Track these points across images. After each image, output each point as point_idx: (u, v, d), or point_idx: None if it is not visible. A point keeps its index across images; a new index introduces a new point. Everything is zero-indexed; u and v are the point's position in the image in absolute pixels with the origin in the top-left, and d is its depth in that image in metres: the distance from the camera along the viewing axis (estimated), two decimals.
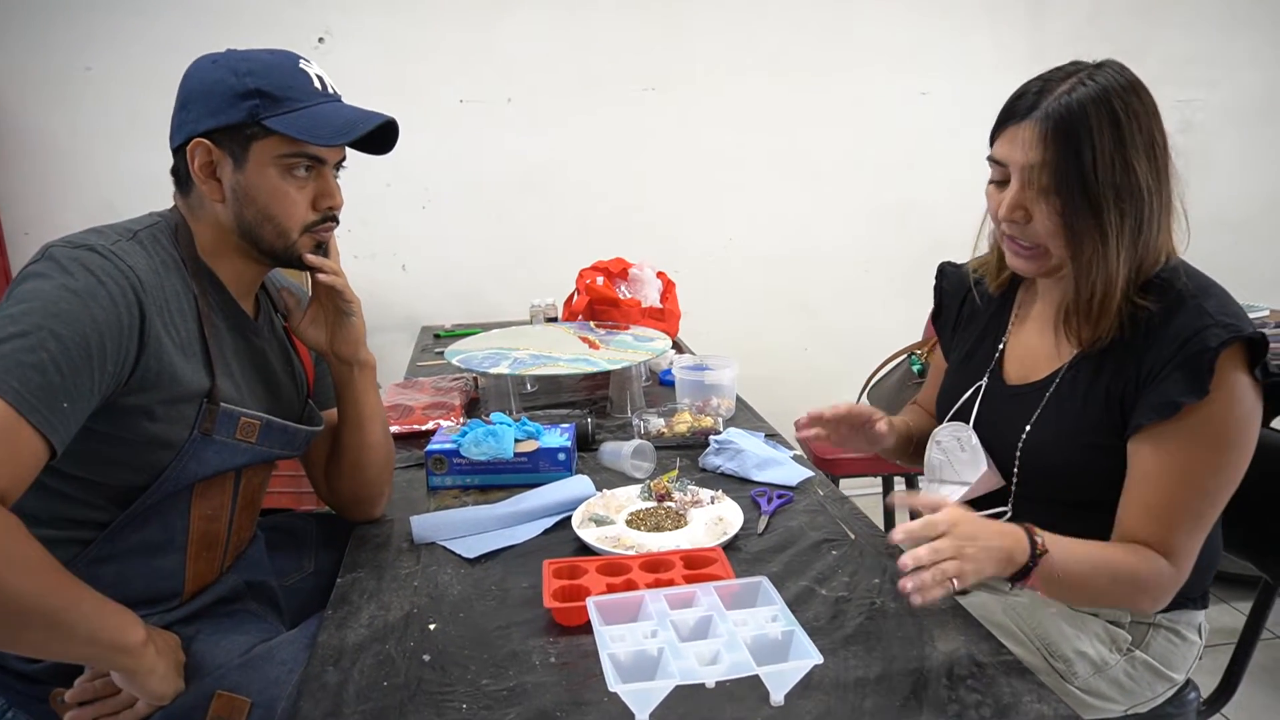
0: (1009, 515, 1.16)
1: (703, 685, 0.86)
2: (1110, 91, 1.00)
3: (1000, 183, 1.09)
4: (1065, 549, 0.98)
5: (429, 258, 3.09)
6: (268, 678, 1.02)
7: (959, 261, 1.39)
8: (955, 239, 1.48)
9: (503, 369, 1.80)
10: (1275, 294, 2.93)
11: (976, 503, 1.18)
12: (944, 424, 1.23)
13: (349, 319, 1.21)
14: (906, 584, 0.88)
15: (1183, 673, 1.16)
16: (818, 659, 0.85)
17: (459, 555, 1.24)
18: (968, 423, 1.20)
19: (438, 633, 1.04)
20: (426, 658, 0.99)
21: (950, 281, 1.38)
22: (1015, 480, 1.15)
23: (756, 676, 0.85)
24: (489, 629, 1.05)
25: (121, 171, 2.74)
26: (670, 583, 1.09)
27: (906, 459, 1.34)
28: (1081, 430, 1.08)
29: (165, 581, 1.09)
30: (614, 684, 0.82)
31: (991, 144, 1.11)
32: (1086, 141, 0.99)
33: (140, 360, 0.98)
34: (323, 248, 1.16)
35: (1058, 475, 1.11)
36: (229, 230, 1.10)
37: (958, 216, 2.75)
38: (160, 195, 1.20)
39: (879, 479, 2.42)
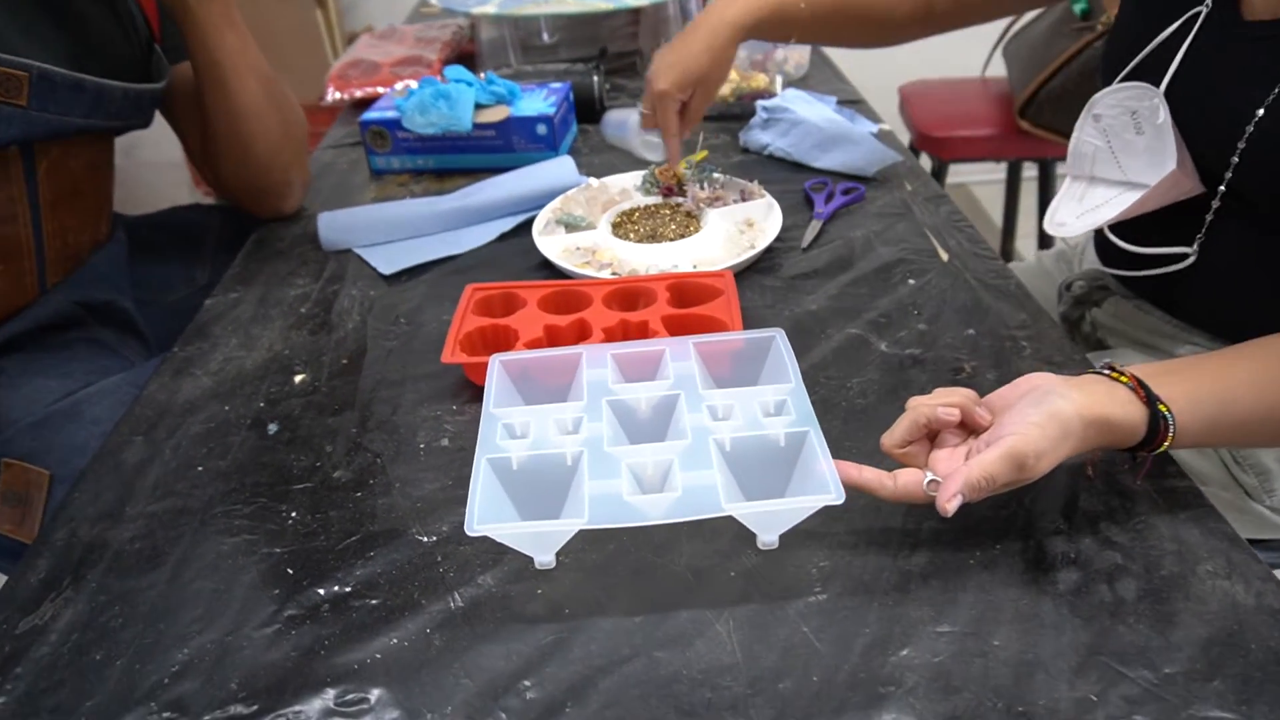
0: (1193, 259, 0.70)
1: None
2: None
3: None
4: (1217, 404, 0.54)
5: None
6: (71, 443, 0.74)
7: None
8: None
9: (489, 9, 1.33)
10: None
11: (1152, 220, 0.72)
12: (1113, 86, 0.72)
13: None
14: (946, 506, 0.49)
15: None
16: (837, 497, 0.49)
17: (374, 269, 0.89)
18: (1158, 85, 0.69)
19: (301, 388, 0.72)
20: (273, 428, 0.68)
21: None
22: (1225, 190, 0.67)
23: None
24: (373, 383, 0.72)
25: None
26: (641, 329, 0.71)
27: None
28: None
29: None
30: (474, 522, 0.49)
31: None
32: None
33: None
34: None
35: None
36: None
37: None
38: None
39: (1003, 165, 1.89)
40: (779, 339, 0.62)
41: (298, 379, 0.73)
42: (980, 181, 2.34)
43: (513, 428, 0.56)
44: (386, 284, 0.87)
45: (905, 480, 0.52)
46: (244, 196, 0.97)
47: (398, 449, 0.65)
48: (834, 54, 1.42)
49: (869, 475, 0.53)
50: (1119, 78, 0.72)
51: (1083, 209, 0.76)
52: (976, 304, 0.76)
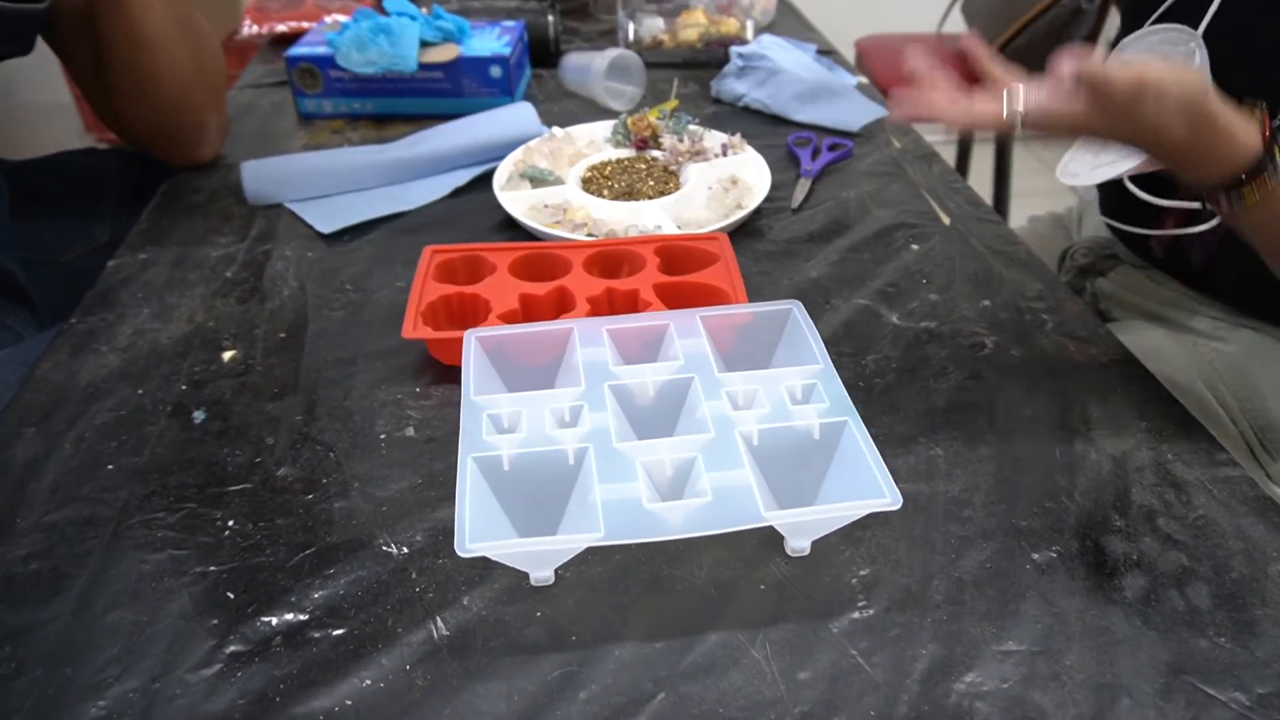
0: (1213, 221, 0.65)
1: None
2: None
3: None
4: None
5: None
6: None
7: None
8: None
9: None
10: None
11: (1162, 185, 0.67)
12: (1144, 29, 0.67)
13: None
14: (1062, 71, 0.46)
15: None
16: (893, 501, 0.42)
17: (310, 227, 0.78)
18: (1195, 28, 0.64)
19: (231, 367, 0.61)
20: (199, 415, 0.57)
21: None
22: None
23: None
24: (319, 361, 0.62)
25: None
26: (631, 300, 0.63)
27: None
28: None
29: None
30: (466, 540, 0.40)
31: None
32: None
33: None
34: None
35: None
36: None
37: None
38: None
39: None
40: (796, 311, 0.55)
41: (227, 356, 0.62)
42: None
43: (499, 419, 0.48)
44: (326, 244, 0.76)
45: (981, 106, 0.48)
46: (151, 142, 0.84)
47: (354, 440, 0.55)
48: (811, 4, 1.34)
49: (939, 98, 0.48)
50: (1150, 20, 0.67)
51: (1098, 161, 0.71)
52: (988, 273, 0.70)
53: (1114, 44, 0.70)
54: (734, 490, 0.43)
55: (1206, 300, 0.71)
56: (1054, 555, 0.47)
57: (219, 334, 0.65)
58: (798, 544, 0.46)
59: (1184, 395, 0.62)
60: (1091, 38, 1.40)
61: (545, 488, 0.46)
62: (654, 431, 0.49)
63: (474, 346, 0.52)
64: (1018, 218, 0.90)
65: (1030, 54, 1.42)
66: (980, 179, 1.95)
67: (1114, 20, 1.44)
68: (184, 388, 0.60)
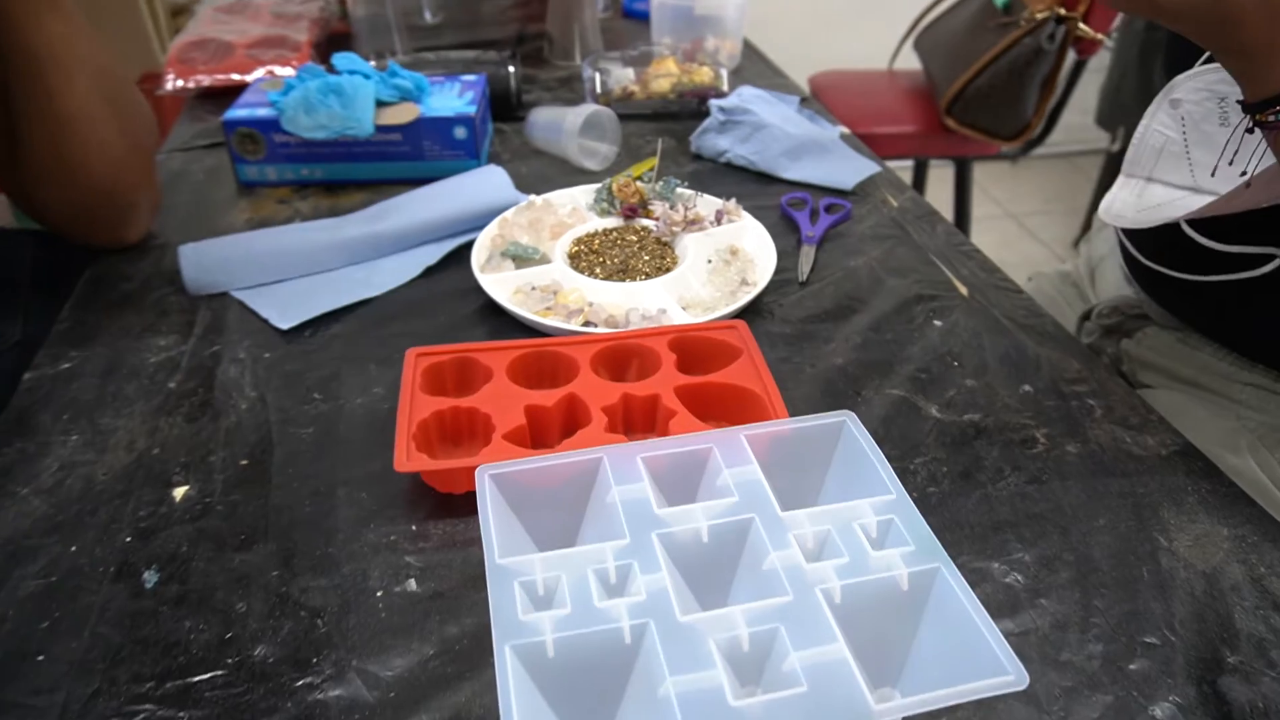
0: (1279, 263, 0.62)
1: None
2: None
3: None
4: None
5: None
6: None
7: None
8: None
9: None
10: None
11: (1225, 228, 0.63)
12: (1198, 68, 0.63)
13: None
14: None
15: None
16: (1018, 680, 0.36)
17: (265, 321, 0.68)
18: None
19: (185, 509, 0.52)
20: (150, 578, 0.48)
21: None
22: None
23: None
24: (290, 495, 0.53)
25: None
26: (651, 407, 0.56)
27: None
28: None
29: None
30: None
31: None
32: None
33: None
34: None
35: None
36: None
37: None
38: None
39: (909, 163, 1.84)
40: (850, 424, 0.48)
41: (178, 494, 0.53)
42: None
43: (533, 586, 0.40)
44: (284, 340, 0.67)
45: None
46: (72, 225, 0.74)
47: (344, 601, 0.46)
48: (763, 45, 1.30)
49: None
50: (1202, 59, 0.63)
51: (1143, 204, 0.67)
52: (1020, 351, 0.66)
53: (1163, 74, 0.66)
54: (829, 671, 0.36)
55: (1249, 365, 0.67)
56: (1173, 707, 0.42)
57: (167, 465, 0.55)
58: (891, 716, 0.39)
59: (1237, 476, 0.58)
60: (1052, 77, 1.40)
61: (597, 672, 0.38)
62: (709, 584, 0.43)
63: (489, 488, 0.44)
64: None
65: (992, 94, 1.41)
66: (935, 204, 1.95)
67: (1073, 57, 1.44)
68: (129, 539, 0.50)
